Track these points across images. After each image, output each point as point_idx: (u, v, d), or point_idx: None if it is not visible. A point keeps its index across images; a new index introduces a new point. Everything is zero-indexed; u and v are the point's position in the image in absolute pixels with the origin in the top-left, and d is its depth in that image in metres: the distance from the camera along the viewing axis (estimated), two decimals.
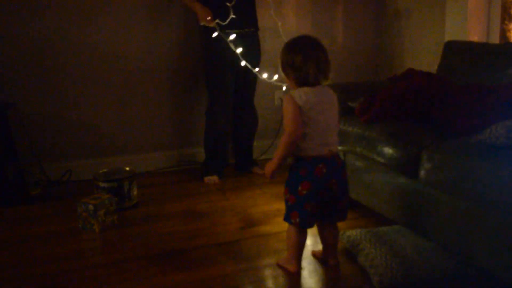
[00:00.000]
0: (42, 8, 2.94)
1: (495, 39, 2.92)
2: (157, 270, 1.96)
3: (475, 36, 2.91)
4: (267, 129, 3.48)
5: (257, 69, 2.90)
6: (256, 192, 2.86)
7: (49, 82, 3.03)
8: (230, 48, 2.85)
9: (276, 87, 3.47)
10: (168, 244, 2.18)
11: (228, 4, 2.66)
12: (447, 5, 3.00)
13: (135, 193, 2.67)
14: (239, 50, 2.82)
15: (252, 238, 2.24)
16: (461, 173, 1.72)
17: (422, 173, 1.91)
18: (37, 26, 2.95)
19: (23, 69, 2.97)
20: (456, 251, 1.82)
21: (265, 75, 2.90)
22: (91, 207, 2.32)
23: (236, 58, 2.87)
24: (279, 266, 1.95)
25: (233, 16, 2.67)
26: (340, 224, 1.97)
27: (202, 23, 2.86)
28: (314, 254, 2.03)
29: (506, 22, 2.93)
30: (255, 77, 3.04)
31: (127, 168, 2.76)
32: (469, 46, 2.57)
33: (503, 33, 2.94)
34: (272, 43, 3.30)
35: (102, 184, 2.58)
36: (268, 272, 1.92)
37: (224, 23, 2.75)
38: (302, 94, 1.77)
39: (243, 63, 2.85)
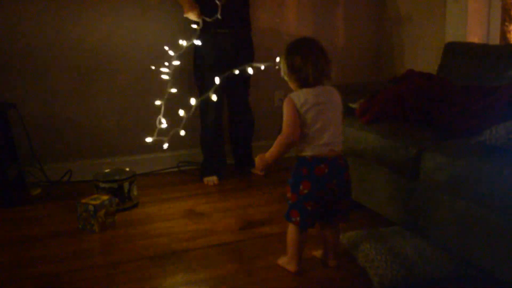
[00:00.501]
0: (42, 8, 2.94)
1: (495, 40, 2.92)
2: (157, 270, 1.96)
3: (475, 37, 2.91)
4: (267, 130, 3.48)
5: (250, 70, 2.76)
6: (255, 192, 2.86)
7: (49, 82, 3.03)
8: (220, 49, 2.85)
9: (276, 87, 3.48)
10: (168, 245, 2.18)
11: (217, 2, 2.64)
12: (448, 6, 3.00)
13: (135, 193, 2.67)
14: (230, 50, 2.80)
15: (252, 238, 2.24)
16: (461, 174, 1.72)
17: (422, 174, 1.91)
18: (38, 26, 2.95)
19: (23, 69, 2.97)
20: (456, 252, 1.82)
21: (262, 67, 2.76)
22: (91, 207, 2.31)
23: (226, 58, 2.87)
24: (279, 266, 1.95)
25: (219, 17, 2.63)
26: (341, 225, 1.97)
27: (185, 15, 2.83)
28: (315, 255, 2.03)
29: (506, 23, 2.94)
30: (248, 77, 3.04)
31: (127, 169, 2.76)
32: (469, 48, 2.58)
33: (503, 34, 2.94)
34: (273, 43, 3.29)
35: (102, 185, 2.58)
36: (268, 273, 1.92)
37: (209, 20, 2.71)
38: (301, 95, 1.78)
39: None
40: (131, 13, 3.12)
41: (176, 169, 3.32)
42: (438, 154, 1.84)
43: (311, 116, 1.77)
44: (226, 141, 3.25)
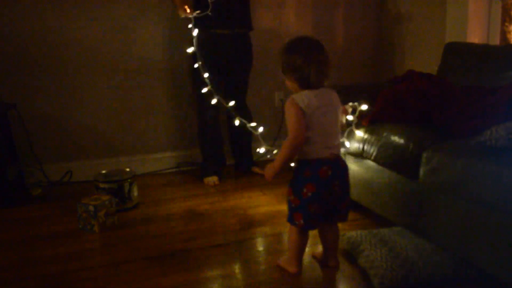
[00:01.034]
0: (42, 8, 2.94)
1: (495, 40, 2.92)
2: (158, 271, 1.96)
3: (475, 37, 2.91)
4: (267, 130, 3.48)
5: None
6: (256, 193, 2.86)
7: (49, 83, 3.03)
8: (217, 49, 2.84)
9: (276, 87, 3.48)
10: (168, 245, 2.18)
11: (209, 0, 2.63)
12: (448, 6, 3.00)
13: (135, 194, 2.67)
14: (228, 50, 2.79)
15: (252, 239, 2.24)
16: (461, 175, 1.72)
17: (422, 174, 1.91)
18: (38, 27, 2.95)
19: (23, 70, 2.97)
20: (457, 252, 1.82)
21: None
22: (91, 208, 2.32)
23: (224, 59, 2.86)
24: (280, 267, 1.95)
25: (209, 13, 2.61)
26: (341, 226, 1.97)
27: (180, 14, 2.83)
28: (315, 256, 2.03)
29: (507, 23, 2.93)
30: (245, 77, 3.03)
31: (128, 169, 2.77)
32: (469, 48, 2.58)
33: (504, 34, 2.94)
34: (272, 43, 3.29)
35: (102, 185, 2.58)
36: (268, 273, 1.92)
37: (200, 15, 2.67)
38: (304, 97, 1.74)
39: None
40: (131, 12, 3.12)
41: (176, 169, 3.32)
42: (438, 154, 1.84)
43: (314, 119, 1.75)
44: (225, 141, 3.25)
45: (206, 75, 2.66)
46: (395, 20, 3.54)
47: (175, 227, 2.39)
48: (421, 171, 1.92)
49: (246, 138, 3.25)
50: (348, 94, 2.54)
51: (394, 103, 2.24)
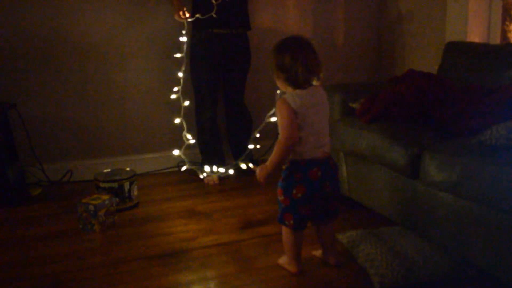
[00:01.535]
0: (42, 8, 2.94)
1: (495, 40, 2.92)
2: (157, 270, 1.96)
3: (475, 37, 2.91)
4: (267, 130, 3.48)
5: None
6: (255, 192, 2.86)
7: (49, 82, 3.03)
8: (215, 48, 2.84)
9: (277, 86, 3.47)
10: (168, 245, 2.18)
11: (213, 1, 2.62)
12: (448, 5, 3.00)
13: (135, 193, 2.67)
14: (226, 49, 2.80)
15: (252, 238, 2.24)
16: (461, 174, 1.72)
17: (422, 173, 1.91)
18: (38, 26, 2.95)
19: (23, 69, 2.97)
20: (457, 251, 1.82)
21: None
22: (91, 207, 2.32)
23: (222, 58, 2.86)
24: (280, 266, 1.95)
25: (214, 15, 2.62)
26: (341, 226, 1.97)
27: (176, 18, 2.84)
28: (315, 255, 2.03)
29: (507, 23, 2.93)
30: (242, 76, 3.03)
31: (128, 169, 2.77)
32: (469, 47, 2.57)
33: (504, 34, 2.94)
34: (272, 43, 3.28)
35: (102, 185, 2.58)
36: (268, 273, 1.92)
37: (202, 17, 2.69)
38: (296, 98, 1.74)
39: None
40: (131, 12, 3.11)
41: (176, 169, 3.32)
42: (438, 154, 1.84)
43: (306, 119, 1.75)
44: (224, 142, 3.25)
45: (186, 103, 2.81)
46: (396, 19, 3.54)
47: (175, 226, 2.39)
48: (421, 170, 1.92)
49: (243, 138, 3.25)
50: (349, 93, 2.55)
51: (395, 102, 2.24)
